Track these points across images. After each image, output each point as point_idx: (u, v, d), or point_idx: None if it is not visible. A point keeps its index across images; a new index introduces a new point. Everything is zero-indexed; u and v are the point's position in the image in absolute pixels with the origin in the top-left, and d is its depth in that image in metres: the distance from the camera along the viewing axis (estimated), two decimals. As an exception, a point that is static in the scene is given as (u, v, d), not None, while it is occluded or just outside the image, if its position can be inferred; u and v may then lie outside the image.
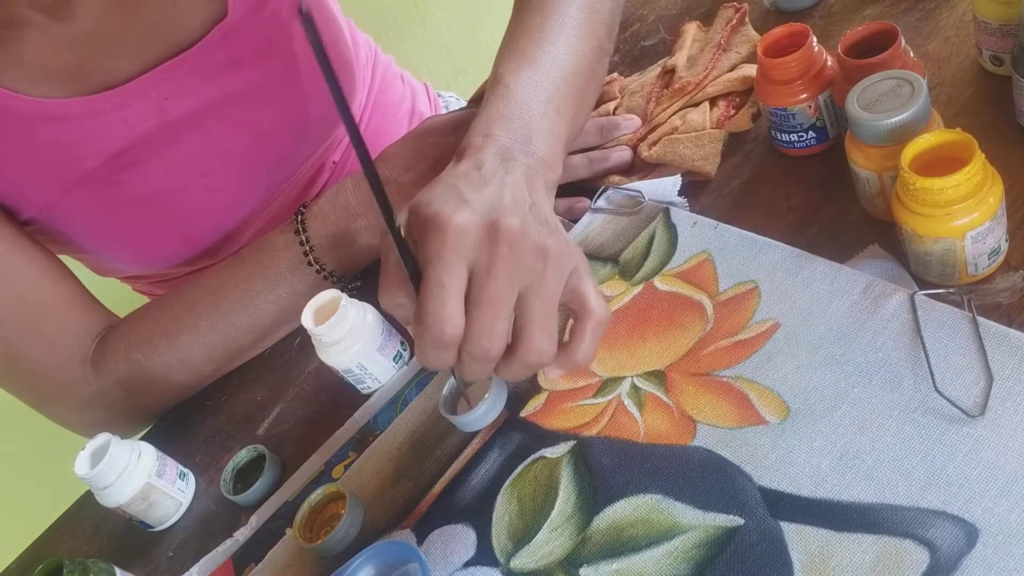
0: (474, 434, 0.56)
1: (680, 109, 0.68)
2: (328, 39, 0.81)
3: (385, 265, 0.48)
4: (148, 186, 0.75)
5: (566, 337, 0.47)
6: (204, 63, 0.73)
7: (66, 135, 0.70)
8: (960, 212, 0.43)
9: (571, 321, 0.47)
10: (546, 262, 0.45)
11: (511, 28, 0.64)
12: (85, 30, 0.69)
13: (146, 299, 0.97)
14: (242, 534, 0.61)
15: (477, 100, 0.80)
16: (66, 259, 0.78)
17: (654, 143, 0.66)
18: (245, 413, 0.72)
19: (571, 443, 0.52)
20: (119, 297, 0.92)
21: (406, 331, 0.67)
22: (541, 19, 0.62)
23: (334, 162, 0.89)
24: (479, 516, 0.51)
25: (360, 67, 0.88)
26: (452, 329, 0.43)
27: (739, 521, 0.44)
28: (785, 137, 0.58)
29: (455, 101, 1.10)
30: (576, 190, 0.66)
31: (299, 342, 0.74)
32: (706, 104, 0.67)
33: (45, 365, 0.72)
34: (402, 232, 0.46)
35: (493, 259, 0.44)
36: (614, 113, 0.73)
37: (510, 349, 0.45)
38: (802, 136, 0.58)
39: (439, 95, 1.08)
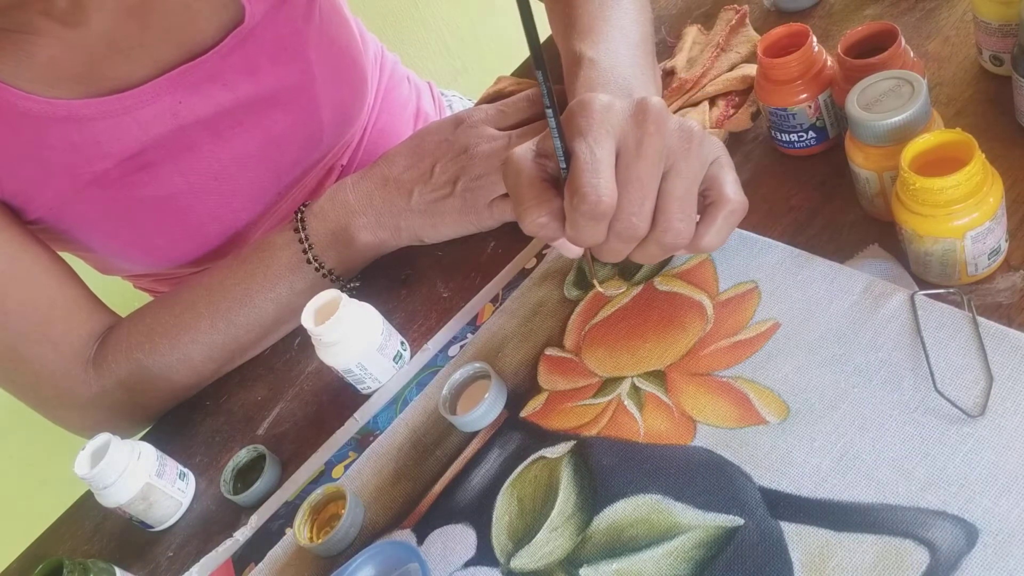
0: (474, 434, 0.56)
1: (679, 109, 0.68)
2: (340, 39, 0.82)
3: (518, 188, 0.49)
4: (160, 188, 0.75)
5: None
6: (219, 68, 0.73)
7: (79, 136, 0.70)
8: (960, 212, 0.43)
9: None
10: (690, 144, 0.46)
11: (569, 14, 0.67)
12: (98, 36, 0.69)
13: (148, 297, 0.97)
14: (242, 534, 0.61)
15: (486, 100, 0.80)
16: (68, 257, 0.78)
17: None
18: (245, 413, 0.72)
19: (571, 443, 0.52)
20: (120, 296, 0.92)
21: (406, 331, 0.67)
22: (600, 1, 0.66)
23: (342, 166, 0.89)
24: (479, 516, 0.51)
25: (370, 67, 0.88)
26: (608, 198, 0.44)
27: (739, 521, 0.44)
28: (785, 137, 0.58)
29: (459, 100, 1.10)
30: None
31: (299, 342, 0.74)
32: (705, 104, 0.67)
33: (48, 367, 0.72)
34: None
35: (641, 137, 0.45)
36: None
37: (650, 236, 0.47)
38: (802, 136, 0.58)
39: (443, 94, 1.08)
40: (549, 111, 0.46)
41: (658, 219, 0.46)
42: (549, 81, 0.45)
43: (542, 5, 0.76)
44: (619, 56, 0.61)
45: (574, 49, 0.63)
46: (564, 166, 0.47)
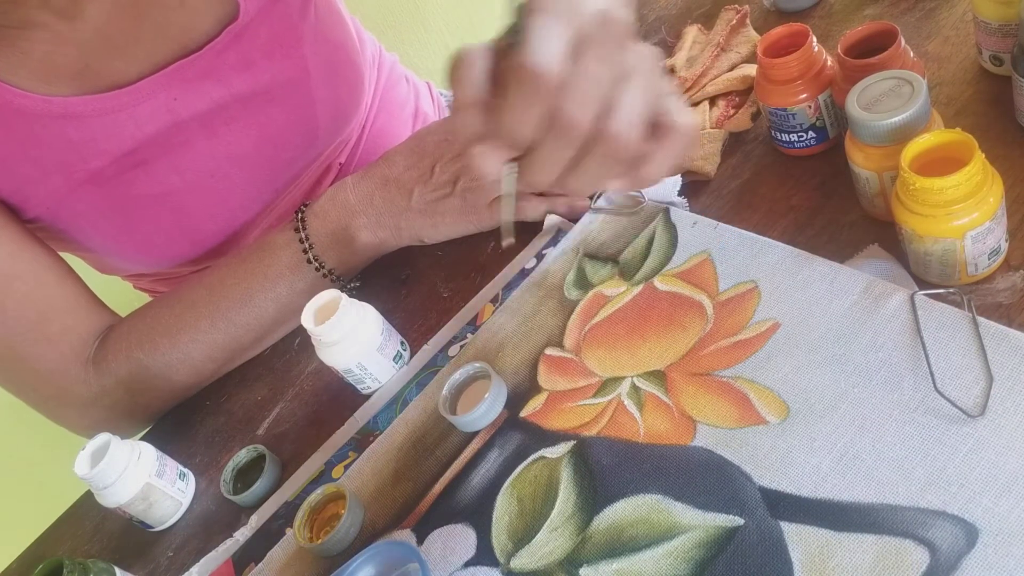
0: (474, 434, 0.56)
1: (680, 109, 0.68)
2: (335, 36, 0.82)
3: (457, 74, 0.44)
4: (156, 186, 0.75)
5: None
6: (214, 64, 0.73)
7: (74, 133, 0.70)
8: (960, 212, 0.43)
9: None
10: (651, 61, 0.44)
11: None
12: (94, 30, 0.69)
13: (147, 297, 0.97)
14: (242, 534, 0.61)
15: None
16: (68, 257, 0.78)
17: (654, 143, 0.66)
18: (245, 413, 0.72)
19: (571, 443, 0.52)
20: (121, 296, 0.92)
21: (406, 331, 0.67)
22: None
23: (340, 164, 0.89)
24: (479, 516, 0.51)
25: (367, 66, 0.88)
26: (550, 66, 0.40)
27: (739, 521, 0.44)
28: (785, 137, 0.58)
29: None
30: (576, 190, 0.66)
31: (299, 342, 0.74)
32: (706, 104, 0.67)
33: (48, 366, 0.72)
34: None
35: (602, 38, 0.42)
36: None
37: (591, 144, 0.43)
38: (802, 136, 0.58)
39: (442, 94, 1.08)
40: None
41: (604, 123, 0.42)
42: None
43: None
44: None
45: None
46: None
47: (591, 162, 0.44)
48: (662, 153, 0.45)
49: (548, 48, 0.41)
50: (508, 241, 0.54)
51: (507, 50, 0.43)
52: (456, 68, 0.44)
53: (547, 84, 0.40)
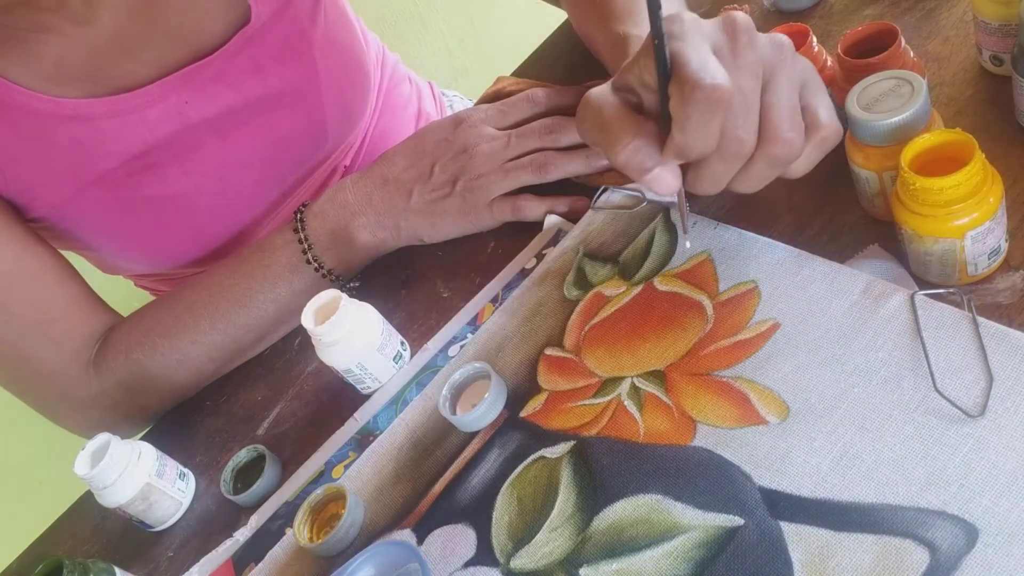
0: (474, 434, 0.56)
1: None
2: (344, 41, 0.82)
3: (601, 121, 0.46)
4: (164, 188, 0.75)
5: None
6: (226, 69, 0.73)
7: (84, 135, 0.70)
8: (960, 212, 0.43)
9: None
10: (784, 54, 0.44)
11: (601, 3, 0.65)
12: (106, 34, 0.69)
13: (148, 296, 0.97)
14: (242, 534, 0.61)
15: (486, 100, 0.80)
16: (69, 255, 0.78)
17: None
18: (245, 413, 0.72)
19: (571, 443, 0.52)
20: (121, 295, 0.92)
21: (406, 331, 0.67)
22: None
23: (345, 166, 0.89)
24: (479, 516, 0.51)
25: (372, 67, 0.88)
26: (725, 81, 0.41)
27: (739, 521, 0.44)
28: (785, 137, 0.58)
29: (459, 100, 1.10)
30: (576, 190, 0.66)
31: (299, 342, 0.74)
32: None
33: (49, 367, 0.72)
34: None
35: (735, 47, 0.43)
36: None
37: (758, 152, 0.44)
38: (802, 136, 0.58)
39: (443, 94, 1.08)
40: (656, 23, 0.43)
41: (765, 131, 0.43)
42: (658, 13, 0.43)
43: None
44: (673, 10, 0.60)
45: (616, 32, 0.61)
46: (665, 71, 0.44)
47: (760, 165, 0.45)
48: (811, 147, 0.46)
49: (710, 66, 0.42)
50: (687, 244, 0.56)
51: (629, 88, 0.46)
52: (591, 112, 0.47)
53: (721, 94, 0.41)
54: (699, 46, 0.43)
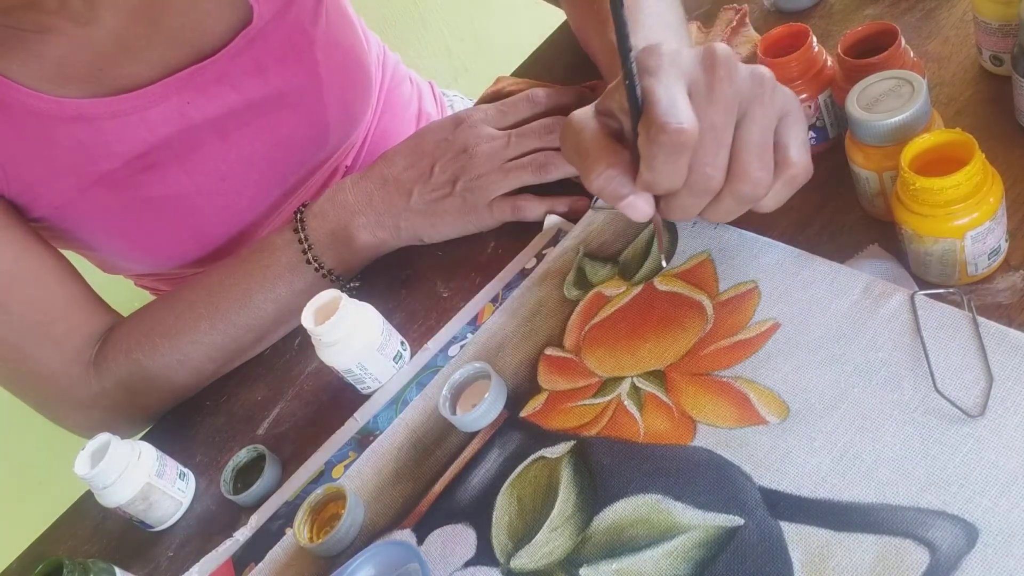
0: (474, 434, 0.56)
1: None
2: (346, 41, 0.82)
3: (580, 145, 0.47)
4: (166, 189, 0.75)
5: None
6: (227, 69, 0.73)
7: (86, 136, 0.70)
8: (960, 212, 0.43)
9: None
10: (763, 89, 0.44)
11: (599, 9, 0.66)
12: (108, 35, 0.69)
13: (148, 295, 0.97)
14: (242, 534, 0.61)
15: (486, 100, 0.80)
16: (69, 254, 0.78)
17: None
18: (245, 413, 0.72)
19: (571, 443, 0.52)
20: (122, 295, 0.92)
21: (406, 331, 0.67)
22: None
23: (347, 166, 0.89)
24: (479, 516, 0.51)
25: (374, 67, 0.88)
26: (690, 125, 0.42)
27: (739, 521, 0.44)
28: (785, 137, 0.58)
29: (460, 100, 1.10)
30: (576, 190, 0.66)
31: (299, 342, 0.74)
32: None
33: (50, 367, 0.72)
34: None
35: (712, 82, 0.43)
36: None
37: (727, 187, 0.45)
38: (802, 136, 0.58)
39: (443, 94, 1.08)
40: (624, 52, 0.44)
41: (734, 169, 0.44)
42: (622, 11, 0.43)
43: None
44: (659, 38, 0.60)
45: (611, 40, 0.61)
46: (636, 107, 0.45)
47: (727, 200, 0.46)
48: (779, 185, 0.47)
49: (678, 110, 0.42)
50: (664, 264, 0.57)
51: (610, 113, 0.47)
52: (571, 136, 0.48)
53: (686, 139, 0.42)
54: (671, 84, 0.43)
